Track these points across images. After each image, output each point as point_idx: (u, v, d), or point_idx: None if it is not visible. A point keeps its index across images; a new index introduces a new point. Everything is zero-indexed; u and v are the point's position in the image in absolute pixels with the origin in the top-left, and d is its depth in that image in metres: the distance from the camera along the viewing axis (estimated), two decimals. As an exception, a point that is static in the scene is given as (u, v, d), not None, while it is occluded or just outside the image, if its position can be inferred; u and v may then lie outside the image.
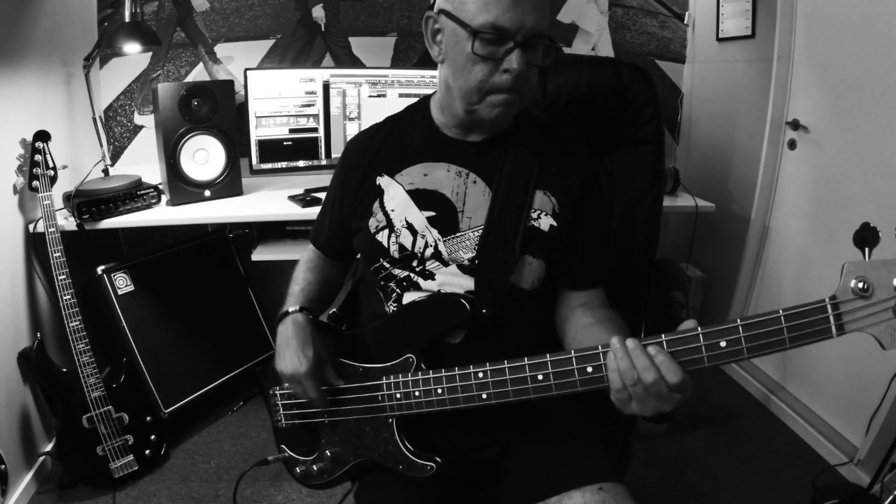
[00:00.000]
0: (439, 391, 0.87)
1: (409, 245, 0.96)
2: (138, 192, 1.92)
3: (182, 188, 1.97)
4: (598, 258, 1.01)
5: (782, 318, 0.65)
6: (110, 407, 1.74)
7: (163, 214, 1.93)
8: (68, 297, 1.66)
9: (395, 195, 0.98)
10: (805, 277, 2.13)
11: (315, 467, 1.03)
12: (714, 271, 2.55)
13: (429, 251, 0.95)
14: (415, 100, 1.08)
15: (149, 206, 1.95)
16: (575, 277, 1.00)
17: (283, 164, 2.11)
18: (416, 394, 0.89)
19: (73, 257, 1.70)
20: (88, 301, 1.87)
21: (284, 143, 2.08)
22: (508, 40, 0.84)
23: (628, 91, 1.19)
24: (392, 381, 0.92)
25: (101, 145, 2.16)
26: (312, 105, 2.08)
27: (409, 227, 0.96)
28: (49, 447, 1.86)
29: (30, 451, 1.80)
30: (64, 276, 1.66)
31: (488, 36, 0.83)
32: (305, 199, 2.02)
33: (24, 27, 1.83)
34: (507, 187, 0.95)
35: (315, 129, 2.11)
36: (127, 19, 1.90)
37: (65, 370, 1.71)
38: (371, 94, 2.12)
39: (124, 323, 1.89)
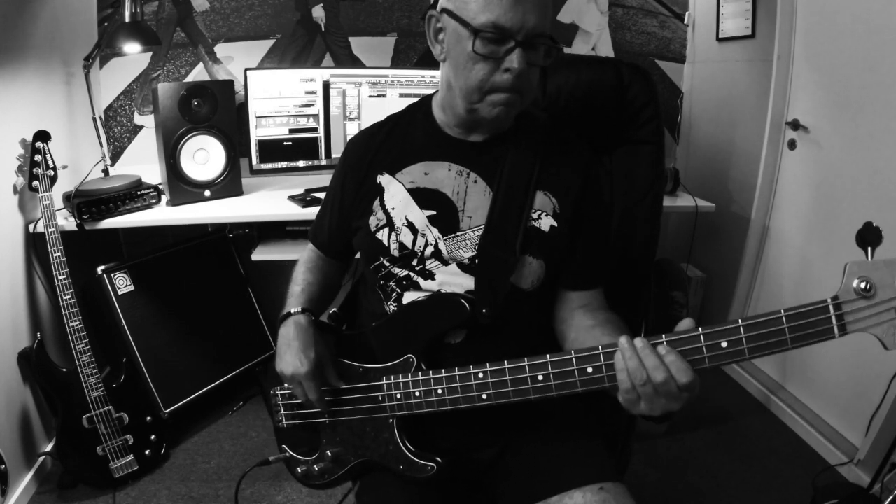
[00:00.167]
0: (439, 391, 0.87)
1: (409, 243, 0.96)
2: (138, 192, 1.92)
3: (182, 188, 1.97)
4: (598, 258, 1.01)
5: (784, 318, 0.64)
6: (110, 407, 1.74)
7: (163, 214, 1.93)
8: (68, 297, 1.66)
9: (396, 193, 0.98)
10: (805, 277, 2.12)
11: (316, 467, 1.03)
12: (714, 271, 2.55)
13: (429, 250, 0.95)
14: (415, 100, 1.08)
15: (149, 206, 1.95)
16: (575, 278, 0.99)
17: (283, 164, 2.11)
18: (417, 394, 0.89)
19: (73, 257, 1.70)
20: (88, 301, 1.87)
21: (284, 143, 2.08)
22: (509, 40, 0.84)
23: (628, 91, 1.19)
24: (392, 381, 0.92)
25: (101, 145, 2.16)
26: (312, 105, 2.07)
27: (410, 225, 0.96)
28: (49, 447, 1.86)
29: (30, 451, 1.80)
30: (64, 276, 1.66)
31: (489, 35, 0.83)
32: (305, 199, 2.02)
33: (24, 27, 1.83)
34: (507, 187, 0.95)
35: (315, 129, 2.10)
36: (127, 19, 1.90)
37: (65, 370, 1.71)
38: (371, 94, 2.12)
39: (124, 323, 1.89)
